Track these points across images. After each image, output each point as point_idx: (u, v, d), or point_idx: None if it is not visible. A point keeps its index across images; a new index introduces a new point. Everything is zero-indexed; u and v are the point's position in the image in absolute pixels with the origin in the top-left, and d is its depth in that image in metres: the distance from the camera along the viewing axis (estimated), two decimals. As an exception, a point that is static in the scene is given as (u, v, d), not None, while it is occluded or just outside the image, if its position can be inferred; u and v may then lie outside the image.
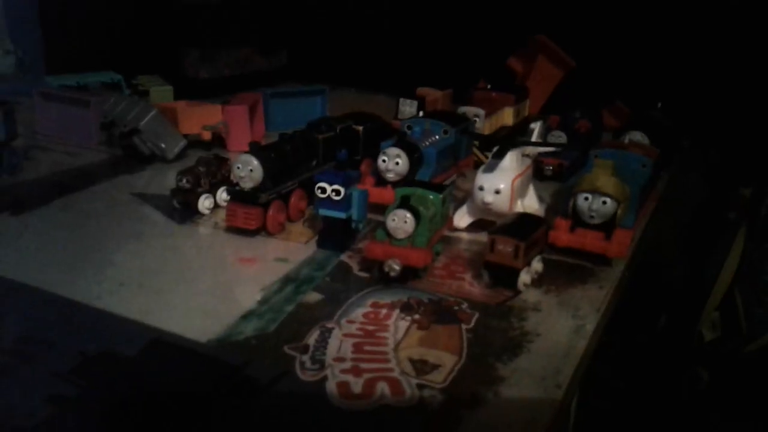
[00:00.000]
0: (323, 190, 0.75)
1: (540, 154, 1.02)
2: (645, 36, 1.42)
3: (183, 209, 0.86)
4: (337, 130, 0.93)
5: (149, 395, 0.52)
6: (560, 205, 0.87)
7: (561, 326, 0.64)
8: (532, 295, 0.70)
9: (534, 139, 0.97)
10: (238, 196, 0.80)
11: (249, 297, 0.67)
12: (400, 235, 0.69)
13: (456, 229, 0.84)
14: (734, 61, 1.37)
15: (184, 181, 0.85)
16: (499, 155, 0.81)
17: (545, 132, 1.06)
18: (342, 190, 0.74)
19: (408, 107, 1.17)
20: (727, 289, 1.55)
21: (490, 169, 0.81)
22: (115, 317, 0.62)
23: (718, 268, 1.54)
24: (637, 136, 0.98)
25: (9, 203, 0.88)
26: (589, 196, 0.74)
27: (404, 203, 0.69)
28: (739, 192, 1.56)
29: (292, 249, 0.79)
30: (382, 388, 0.53)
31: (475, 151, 1.07)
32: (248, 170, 0.78)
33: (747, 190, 1.55)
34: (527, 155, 0.89)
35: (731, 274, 1.53)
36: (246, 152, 0.79)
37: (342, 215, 0.76)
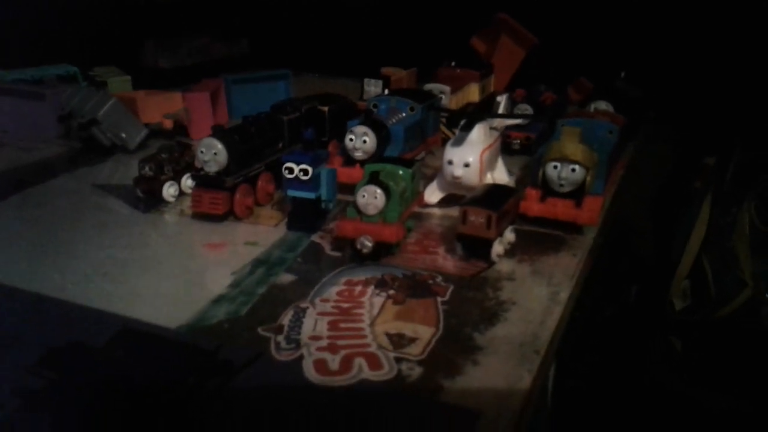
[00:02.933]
0: (290, 171, 0.74)
1: (507, 128, 1.02)
2: (607, 8, 1.42)
3: (147, 198, 0.84)
4: (303, 111, 0.91)
5: (120, 384, 0.50)
6: (530, 177, 0.86)
7: (536, 294, 0.64)
8: (505, 266, 0.69)
9: (501, 110, 0.97)
10: (204, 180, 0.78)
11: (219, 282, 0.65)
12: (371, 211, 0.68)
13: (427, 205, 0.83)
14: (697, 31, 1.38)
15: (147, 168, 0.83)
16: (467, 128, 0.80)
17: (511, 106, 1.05)
18: (310, 169, 0.73)
19: (373, 87, 1.15)
20: (696, 258, 1.57)
21: (459, 142, 0.80)
22: (81, 308, 0.60)
23: (686, 237, 1.56)
24: (602, 105, 0.98)
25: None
26: (558, 165, 0.74)
27: (373, 179, 0.68)
28: (703, 161, 1.58)
29: (261, 232, 0.77)
30: (360, 363, 0.53)
31: (443, 128, 1.06)
32: (212, 154, 0.77)
33: (711, 159, 1.58)
34: (495, 128, 0.88)
35: (699, 242, 1.55)
36: (209, 135, 0.78)
37: (311, 195, 0.75)
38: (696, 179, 1.59)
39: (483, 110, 1.09)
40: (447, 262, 0.70)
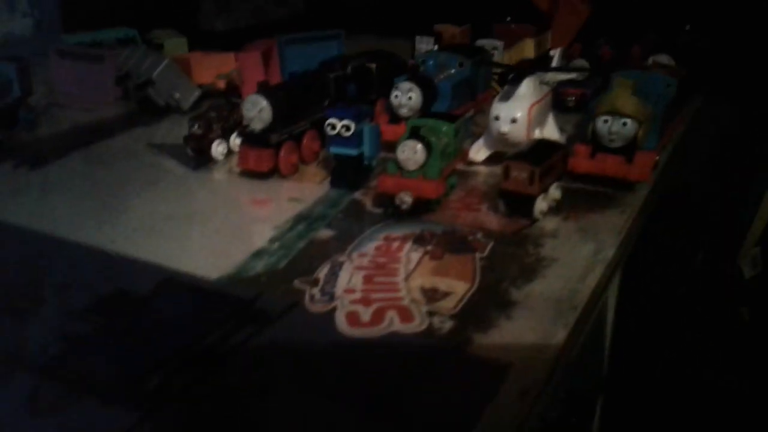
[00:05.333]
0: (333, 127, 0.73)
1: (561, 84, 0.98)
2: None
3: (197, 156, 0.85)
4: (349, 69, 0.90)
5: (160, 331, 0.52)
6: (582, 133, 0.84)
7: (579, 252, 0.62)
8: (549, 223, 0.67)
9: (554, 63, 0.93)
10: (249, 138, 0.79)
11: (261, 236, 0.66)
12: (411, 166, 0.67)
13: (473, 163, 0.82)
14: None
15: (196, 126, 0.84)
16: (515, 82, 0.78)
17: (567, 61, 1.01)
18: (352, 125, 0.73)
19: (425, 45, 1.13)
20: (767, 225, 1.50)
21: (506, 97, 0.78)
22: (127, 259, 0.62)
23: (757, 202, 1.49)
24: (663, 59, 0.93)
25: (28, 158, 0.89)
26: (609, 119, 0.71)
27: (414, 134, 0.68)
28: (780, 121, 1.49)
29: (305, 189, 0.78)
30: (392, 316, 0.52)
31: (495, 85, 1.03)
32: (257, 111, 0.77)
33: (789, 119, 1.49)
34: (546, 83, 0.86)
35: (771, 208, 1.47)
36: (255, 93, 0.78)
37: (353, 152, 0.75)
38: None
39: (535, 65, 1.05)
40: (489, 218, 0.69)
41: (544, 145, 0.71)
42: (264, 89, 0.78)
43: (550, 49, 1.23)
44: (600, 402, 1.14)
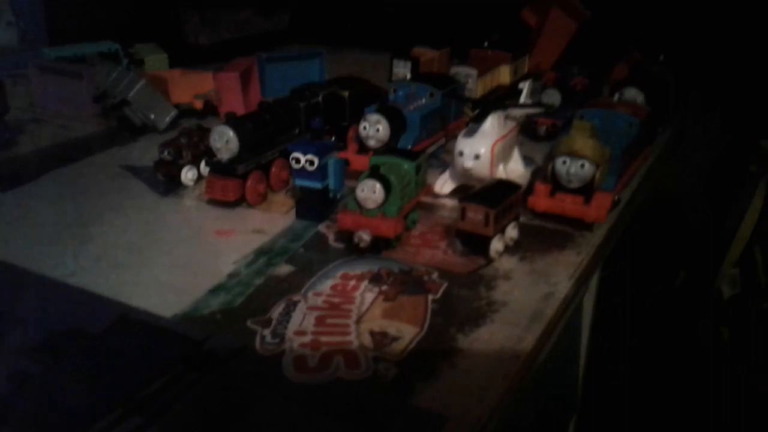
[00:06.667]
0: (297, 161, 0.74)
1: (534, 113, 1.00)
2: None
3: (167, 181, 0.87)
4: (320, 98, 0.91)
5: (109, 374, 0.53)
6: (542, 172, 0.85)
7: (530, 294, 0.63)
8: (505, 263, 0.69)
9: (523, 98, 0.95)
10: (216, 167, 0.80)
11: (220, 271, 0.67)
12: (370, 205, 0.68)
13: (438, 196, 0.83)
14: (750, 9, 1.31)
15: (166, 153, 0.85)
16: (480, 119, 0.79)
17: (540, 90, 1.03)
18: (316, 160, 0.74)
19: (402, 68, 1.14)
20: (746, 245, 1.51)
21: (471, 133, 0.79)
22: (87, 294, 0.63)
23: (737, 223, 1.51)
24: (632, 93, 0.95)
25: (2, 179, 0.90)
26: (567, 160, 0.72)
27: (373, 173, 0.69)
28: (759, 143, 1.51)
29: (271, 220, 0.79)
30: (338, 361, 0.54)
31: (467, 111, 1.05)
32: (224, 141, 0.78)
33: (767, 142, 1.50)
34: (513, 117, 0.87)
35: (750, 230, 1.49)
36: (222, 123, 0.79)
37: (318, 185, 0.76)
38: (751, 162, 1.52)
39: (503, 98, 1.07)
40: (447, 257, 0.70)
41: (501, 185, 0.73)
42: (231, 120, 0.79)
43: (528, 74, 1.25)
44: (573, 423, 1.16)
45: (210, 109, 1.14)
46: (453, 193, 0.83)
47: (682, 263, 1.58)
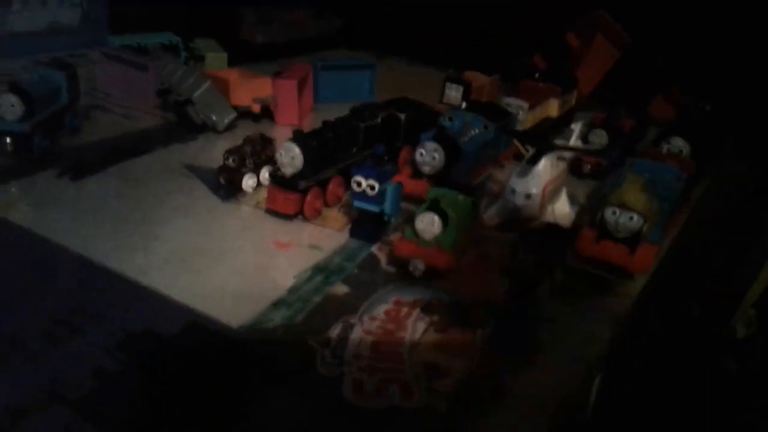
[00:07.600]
0: (359, 184, 0.78)
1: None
2: (706, 17, 1.38)
3: (228, 186, 0.91)
4: (379, 119, 0.95)
5: (181, 377, 0.57)
6: (592, 208, 0.88)
7: (573, 337, 0.67)
8: (550, 304, 0.72)
9: (573, 138, 0.98)
10: (279, 181, 0.84)
11: (281, 285, 0.71)
12: (427, 236, 0.72)
13: (487, 228, 0.87)
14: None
15: (231, 160, 0.89)
16: (534, 161, 0.82)
17: (587, 129, 1.06)
18: (377, 185, 0.78)
19: (454, 92, 1.18)
20: (766, 288, 1.53)
21: (524, 173, 0.83)
22: (160, 296, 0.67)
23: (759, 266, 1.53)
24: (679, 143, 0.98)
25: (70, 167, 0.94)
26: (617, 211, 0.76)
27: (433, 206, 0.72)
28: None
29: (326, 235, 0.83)
30: (393, 389, 0.58)
31: (516, 142, 1.08)
32: (290, 157, 0.82)
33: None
34: (563, 158, 0.90)
35: (772, 272, 1.51)
36: (289, 139, 0.83)
37: (375, 209, 0.79)
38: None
39: (552, 132, 1.10)
40: (494, 291, 0.74)
41: (551, 229, 0.76)
42: (298, 137, 0.83)
43: (575, 107, 1.28)
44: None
45: (266, 113, 1.18)
46: (501, 226, 0.87)
47: (697, 299, 1.60)
